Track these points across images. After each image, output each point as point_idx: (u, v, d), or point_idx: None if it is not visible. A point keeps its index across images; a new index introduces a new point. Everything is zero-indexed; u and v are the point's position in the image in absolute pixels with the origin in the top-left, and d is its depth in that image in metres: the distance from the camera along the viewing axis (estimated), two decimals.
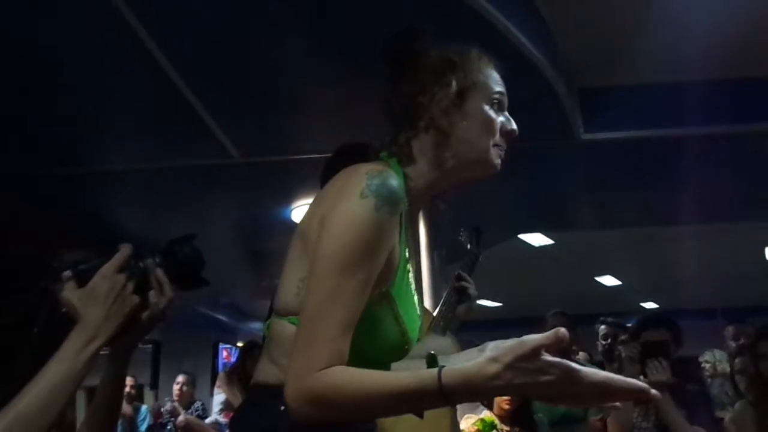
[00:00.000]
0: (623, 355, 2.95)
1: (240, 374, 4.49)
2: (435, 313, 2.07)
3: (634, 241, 6.82)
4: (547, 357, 0.89)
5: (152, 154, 3.60)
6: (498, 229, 5.11)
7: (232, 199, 4.40)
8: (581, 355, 4.95)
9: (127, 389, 5.45)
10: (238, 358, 4.68)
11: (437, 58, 1.21)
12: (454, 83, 1.18)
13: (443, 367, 0.94)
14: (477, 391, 0.94)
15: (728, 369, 4.51)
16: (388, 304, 1.12)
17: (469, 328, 2.54)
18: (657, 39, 3.20)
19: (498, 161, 1.21)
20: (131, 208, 4.45)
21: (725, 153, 3.88)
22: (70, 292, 1.18)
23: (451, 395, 0.93)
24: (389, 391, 0.96)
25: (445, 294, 2.09)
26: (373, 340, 1.09)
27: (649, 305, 10.32)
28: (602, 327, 4.24)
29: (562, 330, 0.89)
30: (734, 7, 3.00)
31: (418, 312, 1.24)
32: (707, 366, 4.63)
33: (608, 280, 8.88)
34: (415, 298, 1.23)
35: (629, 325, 4.15)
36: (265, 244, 4.60)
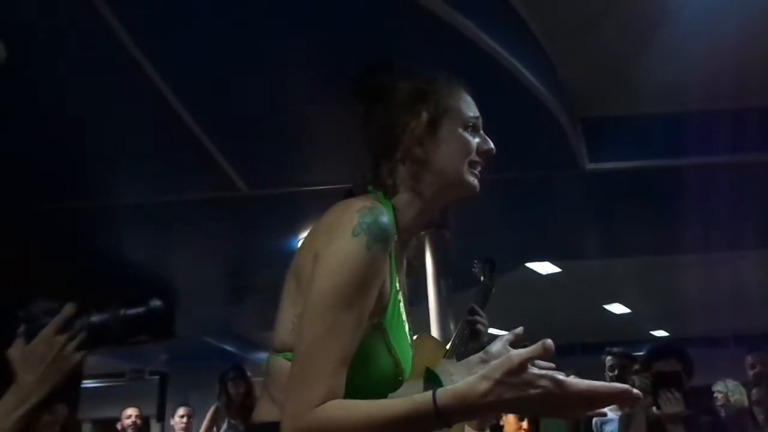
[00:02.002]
0: (635, 385, 2.92)
1: (225, 402, 4.50)
2: (448, 347, 2.06)
3: (643, 269, 6.79)
4: (535, 370, 0.91)
5: (160, 187, 3.63)
6: (506, 258, 5.10)
7: (238, 231, 4.42)
8: None
9: (133, 420, 5.42)
10: (219, 389, 4.66)
11: (406, 89, 1.24)
12: (424, 113, 1.20)
13: (437, 389, 0.95)
14: (471, 409, 0.95)
15: (741, 399, 4.45)
16: (380, 335, 1.13)
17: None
18: (660, 69, 3.23)
19: (475, 181, 1.23)
20: (138, 240, 4.47)
21: (731, 182, 3.87)
22: (15, 350, 1.21)
23: (447, 415, 0.94)
24: (387, 418, 0.97)
25: (457, 328, 2.08)
26: (368, 373, 1.10)
27: (659, 333, 10.22)
28: (609, 358, 4.20)
29: (548, 341, 0.90)
30: (735, 37, 3.03)
31: (410, 341, 1.24)
32: (719, 396, 4.57)
33: (617, 308, 8.81)
34: (407, 327, 1.24)
35: (638, 354, 4.11)
36: (272, 275, 4.60)
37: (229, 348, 8.31)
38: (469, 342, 2.02)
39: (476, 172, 1.23)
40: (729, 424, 3.92)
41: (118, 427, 5.50)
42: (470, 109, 1.26)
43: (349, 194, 1.25)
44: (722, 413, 4.44)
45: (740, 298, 7.58)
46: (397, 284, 1.19)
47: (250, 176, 3.50)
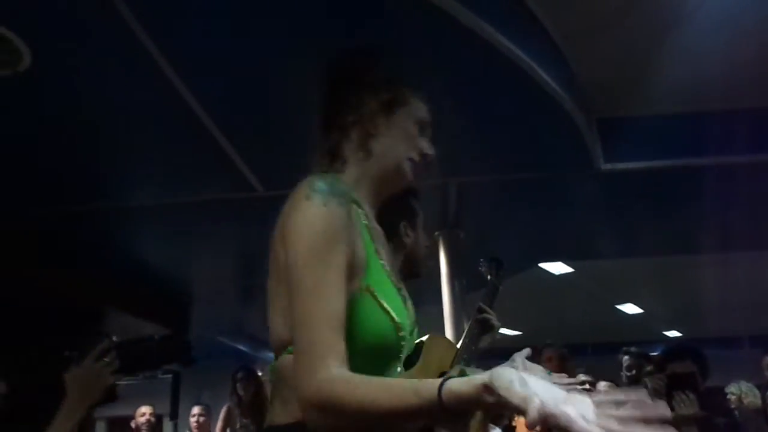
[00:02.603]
0: (648, 386, 2.91)
1: (236, 402, 4.54)
2: (458, 346, 2.07)
3: (656, 269, 6.76)
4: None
5: (176, 188, 3.65)
6: (519, 258, 5.10)
7: (254, 232, 4.42)
8: (604, 384, 4.88)
9: (147, 417, 5.45)
10: (231, 388, 4.71)
11: (375, 74, 1.31)
12: (384, 94, 1.28)
13: (444, 383, 0.94)
14: (472, 408, 0.96)
15: (755, 401, 4.43)
16: (368, 295, 1.13)
17: (490, 357, 2.54)
18: (675, 69, 3.22)
19: (410, 174, 1.28)
20: (157, 242, 4.50)
21: (745, 182, 3.85)
22: (68, 373, 1.58)
23: (451, 411, 0.93)
24: (394, 406, 0.97)
25: (467, 327, 2.09)
26: (366, 336, 1.10)
27: (673, 334, 10.17)
28: (626, 357, 4.18)
29: (527, 349, 0.91)
30: (752, 37, 3.02)
31: (407, 306, 1.25)
32: (732, 398, 4.54)
33: (630, 309, 8.77)
34: (401, 292, 1.25)
35: (654, 354, 4.09)
36: None
37: (241, 348, 8.34)
38: (480, 340, 2.03)
39: (414, 168, 1.28)
40: (743, 426, 3.90)
41: (132, 425, 5.53)
42: (424, 110, 1.32)
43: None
44: (736, 415, 4.42)
45: (755, 298, 7.53)
46: (377, 252, 1.20)
47: (266, 177, 3.52)
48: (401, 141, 1.28)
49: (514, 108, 2.87)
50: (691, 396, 2.57)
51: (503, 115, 2.93)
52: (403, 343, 1.18)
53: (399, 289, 1.25)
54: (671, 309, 8.83)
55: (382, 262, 1.22)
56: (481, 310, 2.05)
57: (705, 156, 3.57)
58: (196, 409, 5.48)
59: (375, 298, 1.14)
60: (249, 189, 3.56)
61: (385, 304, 1.14)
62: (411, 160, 1.28)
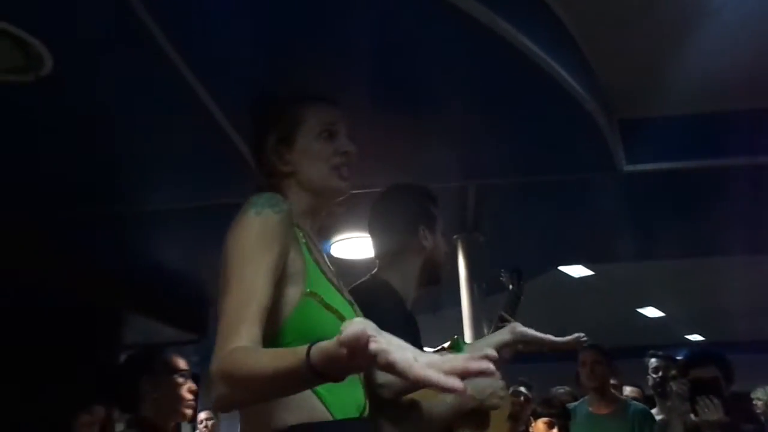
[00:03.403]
0: (673, 390, 2.87)
1: None
2: None
3: (678, 272, 6.67)
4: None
5: (195, 192, 3.66)
6: (539, 261, 5.05)
7: None
8: (630, 389, 4.82)
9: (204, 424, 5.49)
10: None
11: (261, 117, 1.45)
12: (275, 134, 1.40)
13: (311, 345, 0.98)
14: (339, 369, 0.97)
15: None
16: (313, 298, 1.23)
17: (513, 361, 2.54)
18: (698, 68, 3.17)
19: (341, 183, 1.41)
20: (173, 246, 4.52)
21: None
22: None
23: (320, 372, 0.95)
24: (275, 369, 1.01)
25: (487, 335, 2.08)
26: (314, 336, 1.14)
27: (695, 337, 10.04)
28: (653, 360, 4.14)
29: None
30: None
31: (355, 309, 1.34)
32: (759, 404, 4.48)
33: (651, 312, 8.67)
34: (345, 296, 1.35)
35: (678, 358, 4.05)
36: None
37: None
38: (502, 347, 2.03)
39: (343, 174, 1.40)
40: None
41: None
42: (325, 116, 1.43)
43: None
44: (762, 421, 4.35)
45: None
46: (316, 262, 1.30)
47: None
48: (314, 160, 1.39)
49: (534, 109, 2.83)
50: (716, 401, 2.55)
51: (524, 117, 2.90)
52: None
53: (342, 293, 1.32)
54: (693, 312, 8.71)
55: (323, 270, 1.31)
56: (502, 319, 2.05)
57: (729, 156, 3.51)
58: (203, 414, 5.52)
59: (321, 300, 1.24)
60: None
61: (332, 306, 1.24)
62: (335, 168, 1.39)
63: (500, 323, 2.04)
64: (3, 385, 3.88)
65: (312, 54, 2.49)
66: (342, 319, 1.23)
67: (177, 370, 2.36)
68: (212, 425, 5.46)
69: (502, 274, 2.21)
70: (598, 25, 2.89)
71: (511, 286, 2.16)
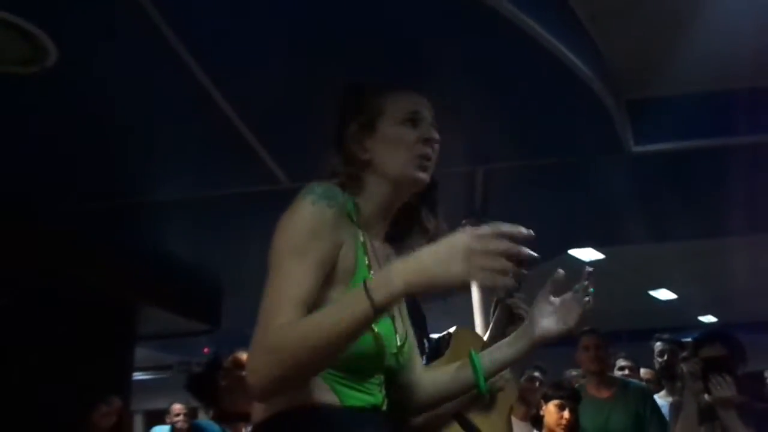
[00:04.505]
0: (685, 371, 2.87)
1: None
2: (485, 338, 2.06)
3: (690, 253, 6.64)
4: None
5: (202, 182, 3.68)
6: (548, 245, 5.03)
7: None
8: (645, 372, 4.82)
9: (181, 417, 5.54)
10: None
11: (341, 109, 1.39)
12: (359, 118, 1.34)
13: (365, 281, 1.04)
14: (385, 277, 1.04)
15: None
16: None
17: None
18: (704, 47, 3.14)
19: (420, 173, 1.33)
20: (181, 236, 4.55)
21: None
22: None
23: (378, 298, 1.02)
24: (332, 316, 1.04)
25: (494, 316, 2.07)
26: None
27: (708, 319, 10.01)
28: (658, 344, 4.14)
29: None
30: None
31: (396, 323, 1.31)
32: None
33: (663, 294, 8.65)
34: (396, 317, 1.31)
35: (686, 340, 4.04)
36: None
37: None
38: (508, 328, 2.01)
39: (424, 164, 1.33)
40: None
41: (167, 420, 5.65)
42: (408, 104, 1.36)
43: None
44: None
45: None
46: (368, 266, 1.27)
47: (291, 169, 3.52)
48: (395, 146, 1.32)
49: (541, 92, 2.83)
50: (728, 378, 2.54)
51: (531, 99, 2.89)
52: (383, 352, 1.22)
53: (401, 319, 1.28)
54: (706, 294, 8.68)
55: (372, 274, 1.25)
56: (508, 295, 2.04)
57: (738, 135, 3.49)
58: (178, 407, 5.58)
59: None
60: (275, 182, 3.57)
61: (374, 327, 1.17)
62: (417, 156, 1.32)
63: (507, 299, 2.03)
64: (21, 380, 3.93)
65: (316, 39, 2.50)
66: (372, 332, 1.20)
67: (242, 366, 2.70)
68: (183, 418, 5.49)
69: None
70: (604, 6, 2.88)
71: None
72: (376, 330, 1.19)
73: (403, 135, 1.33)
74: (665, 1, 2.90)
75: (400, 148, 1.32)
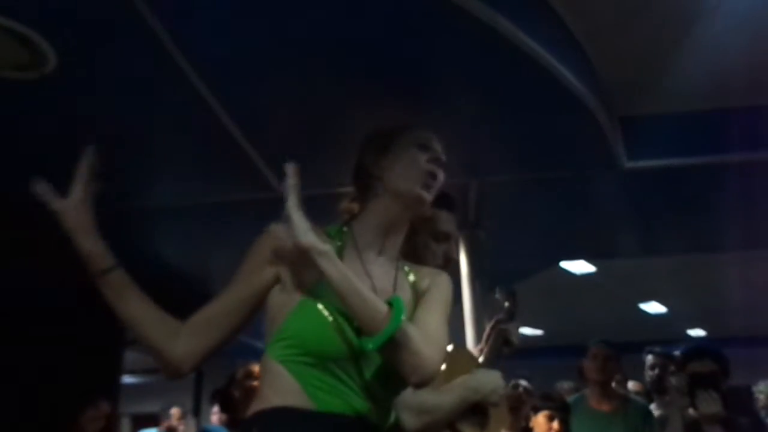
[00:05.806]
0: (672, 385, 2.89)
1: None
2: (481, 360, 2.08)
3: (680, 268, 6.68)
4: None
5: (197, 189, 3.68)
6: (540, 257, 5.07)
7: None
8: (633, 384, 4.84)
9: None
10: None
11: (377, 136, 1.52)
12: (379, 142, 1.49)
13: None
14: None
15: None
16: (310, 302, 1.29)
17: (510, 357, 2.57)
18: (698, 65, 3.19)
19: (423, 192, 1.44)
20: (176, 243, 4.54)
21: None
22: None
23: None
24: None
25: (489, 341, 2.10)
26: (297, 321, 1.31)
27: (697, 333, 10.05)
28: (649, 357, 4.14)
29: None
30: None
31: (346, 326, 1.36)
32: (761, 397, 4.49)
33: (653, 308, 8.68)
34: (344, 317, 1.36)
35: (677, 353, 4.06)
36: None
37: (261, 346, 8.40)
38: (502, 352, 2.06)
39: (430, 182, 1.44)
40: None
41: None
42: (421, 134, 1.49)
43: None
44: (762, 414, 4.36)
45: None
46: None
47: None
48: (406, 164, 1.44)
49: (536, 107, 2.85)
50: (714, 394, 2.56)
51: (525, 114, 2.92)
52: (331, 333, 1.28)
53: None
54: (696, 308, 8.72)
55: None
56: (501, 322, 2.08)
57: (729, 153, 3.53)
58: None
59: (317, 303, 1.28)
60: (269, 189, 3.59)
61: (331, 307, 1.27)
62: (425, 174, 1.43)
63: (501, 325, 2.07)
64: (9, 383, 3.91)
65: (313, 51, 2.51)
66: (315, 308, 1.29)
67: (254, 376, 3.05)
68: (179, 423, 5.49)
69: (497, 292, 2.26)
70: (599, 23, 2.91)
71: (507, 304, 2.20)
72: (318, 306, 1.28)
73: (415, 155, 1.45)
74: (660, 19, 2.93)
75: (412, 166, 1.44)
